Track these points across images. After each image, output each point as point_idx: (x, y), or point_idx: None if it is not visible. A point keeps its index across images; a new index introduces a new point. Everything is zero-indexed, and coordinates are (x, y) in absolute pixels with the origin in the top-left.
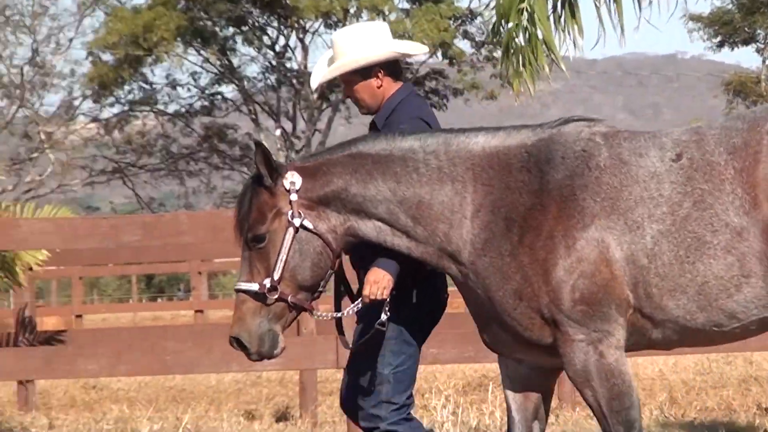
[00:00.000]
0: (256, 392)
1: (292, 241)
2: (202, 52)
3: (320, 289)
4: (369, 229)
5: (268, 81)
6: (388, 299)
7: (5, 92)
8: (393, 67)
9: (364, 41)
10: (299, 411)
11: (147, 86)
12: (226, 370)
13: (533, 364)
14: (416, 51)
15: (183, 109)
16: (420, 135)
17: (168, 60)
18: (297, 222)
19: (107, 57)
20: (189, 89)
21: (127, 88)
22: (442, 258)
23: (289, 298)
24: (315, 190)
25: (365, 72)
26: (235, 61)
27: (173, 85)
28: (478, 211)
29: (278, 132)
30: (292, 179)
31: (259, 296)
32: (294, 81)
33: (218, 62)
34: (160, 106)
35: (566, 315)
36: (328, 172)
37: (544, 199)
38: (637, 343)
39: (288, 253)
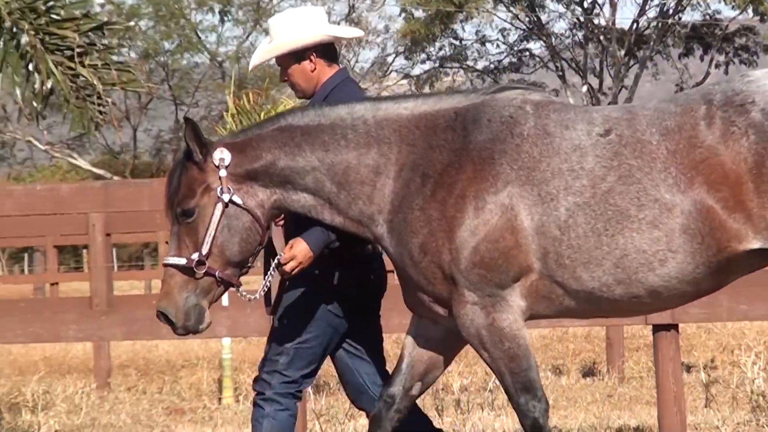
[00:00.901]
0: (562, 347)
1: (221, 216)
2: (511, 8)
3: (248, 264)
4: (294, 201)
5: (576, 37)
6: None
7: None
8: (327, 51)
9: (297, 25)
10: (606, 366)
11: (457, 43)
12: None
13: (448, 329)
14: (349, 34)
15: (491, 66)
16: (349, 104)
17: (478, 16)
18: (226, 197)
19: (419, 13)
20: (498, 45)
21: (437, 44)
22: (361, 223)
23: (217, 273)
24: (244, 166)
25: (298, 55)
26: (543, 18)
27: (482, 41)
28: (401, 171)
29: (584, 88)
30: (222, 155)
31: (187, 270)
32: (601, 37)
33: (527, 19)
34: (470, 63)
35: (464, 276)
36: (257, 147)
37: (462, 158)
38: (552, 310)
39: (217, 228)
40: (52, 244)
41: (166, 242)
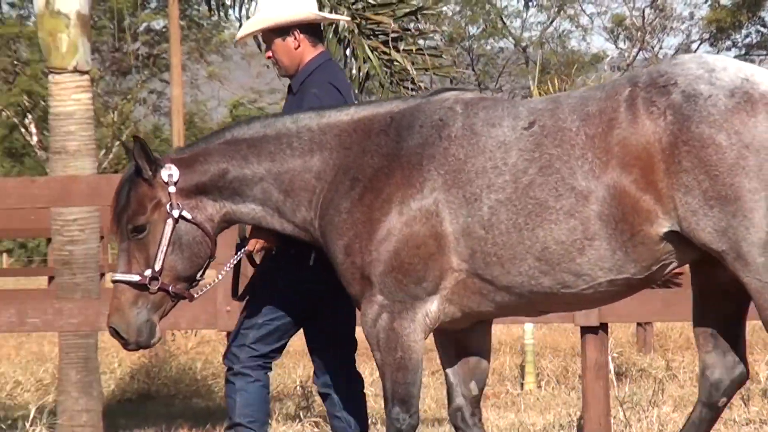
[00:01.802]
0: None
1: (172, 232)
2: None
3: (198, 277)
4: (244, 213)
5: None
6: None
7: (627, 35)
8: (313, 30)
9: (286, 2)
10: None
11: (765, 30)
12: None
13: (461, 328)
14: (336, 17)
15: None
16: (294, 114)
17: None
18: (176, 213)
19: (725, 1)
20: None
21: (744, 32)
22: (305, 229)
23: (170, 288)
24: (192, 181)
25: (283, 31)
26: None
27: None
28: (336, 175)
29: None
30: (170, 172)
31: (140, 287)
32: None
33: None
34: None
35: (380, 278)
36: (204, 162)
37: (392, 163)
38: (487, 306)
39: (168, 244)
40: None
41: None
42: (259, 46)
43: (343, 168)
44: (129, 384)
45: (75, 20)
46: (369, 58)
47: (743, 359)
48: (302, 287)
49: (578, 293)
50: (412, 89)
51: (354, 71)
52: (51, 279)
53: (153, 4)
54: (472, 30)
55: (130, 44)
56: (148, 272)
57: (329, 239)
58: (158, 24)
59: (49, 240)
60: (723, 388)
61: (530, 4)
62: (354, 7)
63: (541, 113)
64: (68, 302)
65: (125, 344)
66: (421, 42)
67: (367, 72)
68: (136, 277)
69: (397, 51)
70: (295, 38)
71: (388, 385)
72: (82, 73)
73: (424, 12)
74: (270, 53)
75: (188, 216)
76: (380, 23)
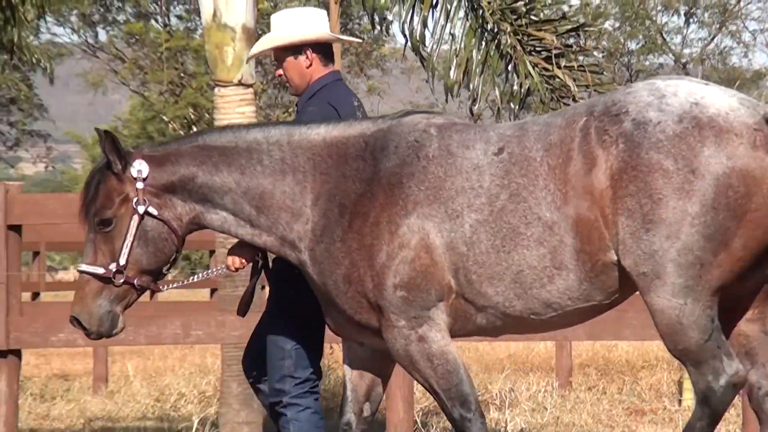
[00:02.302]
0: None
1: (138, 226)
2: None
3: (164, 271)
4: (214, 219)
5: None
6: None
7: None
8: (324, 50)
9: (299, 21)
10: None
11: None
12: None
13: (373, 348)
14: (348, 39)
15: None
16: (265, 127)
17: None
18: (141, 209)
19: None
20: None
21: None
22: (284, 246)
23: (135, 282)
24: (162, 179)
25: (296, 50)
26: None
27: None
28: (318, 200)
29: None
30: (140, 167)
31: (105, 279)
32: None
33: None
34: None
35: (388, 300)
36: (175, 162)
37: (374, 186)
38: (463, 328)
39: (133, 238)
40: None
41: None
42: (422, 60)
43: (326, 194)
44: None
45: (240, 33)
46: (530, 74)
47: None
48: (315, 305)
49: (547, 320)
50: None
51: (515, 87)
52: (213, 291)
53: None
54: (632, 45)
55: None
56: (112, 266)
57: (324, 268)
58: None
59: (212, 252)
60: None
61: (691, 20)
62: (517, 23)
63: (509, 140)
64: (231, 315)
65: (87, 334)
66: (581, 58)
67: (528, 88)
68: (101, 270)
69: (558, 67)
70: (307, 57)
71: (441, 396)
72: (247, 86)
73: (586, 29)
74: (281, 71)
75: (154, 212)
76: (542, 39)
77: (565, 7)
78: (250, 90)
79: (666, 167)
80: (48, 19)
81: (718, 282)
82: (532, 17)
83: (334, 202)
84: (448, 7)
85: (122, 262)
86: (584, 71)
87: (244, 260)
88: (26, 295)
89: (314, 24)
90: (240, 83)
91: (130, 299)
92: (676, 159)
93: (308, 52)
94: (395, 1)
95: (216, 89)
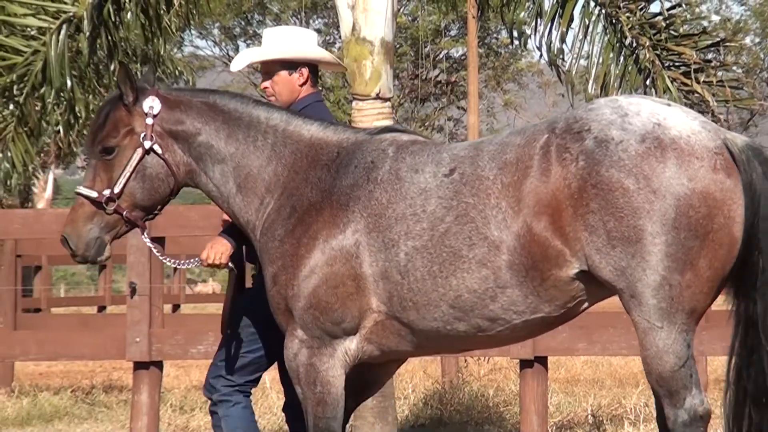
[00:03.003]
0: None
1: (139, 160)
2: None
3: (156, 211)
4: (203, 182)
5: None
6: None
7: None
8: (314, 71)
9: (296, 39)
10: None
11: None
12: None
13: None
14: (340, 64)
15: None
16: (270, 108)
17: None
18: (147, 144)
19: None
20: None
21: None
22: (248, 230)
23: (124, 213)
24: (169, 122)
25: (292, 66)
26: None
27: None
28: (282, 194)
29: None
30: (152, 104)
31: (97, 204)
32: None
33: None
34: None
35: (299, 313)
36: (183, 112)
37: (325, 200)
38: (406, 346)
39: (132, 170)
40: None
41: None
42: (559, 74)
43: (288, 191)
44: (422, 410)
45: (379, 47)
46: (669, 88)
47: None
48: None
49: (495, 335)
50: (712, 121)
51: None
52: None
53: (453, 32)
54: None
55: (429, 71)
56: (106, 192)
57: (263, 262)
58: (457, 52)
59: None
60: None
61: None
62: (656, 38)
63: (462, 160)
64: None
65: (73, 255)
66: (720, 73)
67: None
68: (94, 194)
69: (698, 82)
70: (302, 74)
71: (309, 419)
72: (384, 100)
73: (726, 44)
74: (269, 83)
75: (159, 151)
76: (681, 54)
77: (705, 23)
78: (388, 104)
79: (627, 186)
80: (191, 32)
81: (691, 303)
82: (672, 32)
83: (289, 202)
84: (587, 22)
85: (116, 190)
86: (723, 86)
87: (222, 260)
88: (167, 307)
89: (310, 44)
90: (378, 97)
91: (119, 230)
92: (637, 178)
93: (303, 70)
94: (533, 16)
95: (354, 103)
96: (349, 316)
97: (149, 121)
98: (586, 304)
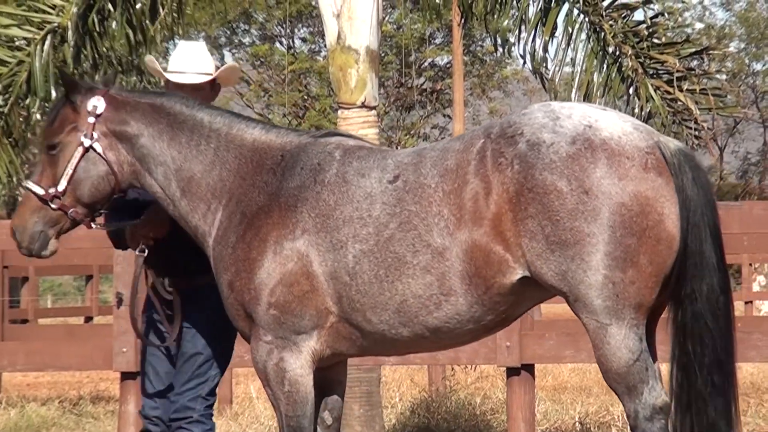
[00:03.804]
0: None
1: (80, 158)
2: None
3: (99, 208)
4: (147, 183)
5: None
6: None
7: None
8: None
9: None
10: None
11: None
12: None
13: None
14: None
15: None
16: (215, 111)
17: None
18: (87, 143)
19: None
20: None
21: None
22: (197, 236)
23: (69, 211)
24: (113, 123)
25: (216, 85)
26: None
27: None
28: (230, 201)
29: None
30: (96, 103)
31: (42, 200)
32: None
33: None
34: None
35: (260, 316)
36: (129, 112)
37: (273, 203)
38: (356, 350)
39: (74, 168)
40: None
41: (750, 264)
42: (543, 82)
43: (237, 198)
44: (410, 418)
45: (364, 56)
46: (652, 97)
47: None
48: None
49: (437, 342)
50: (695, 129)
51: (636, 110)
52: None
53: (438, 40)
54: (757, 66)
55: (414, 79)
56: (52, 190)
57: (217, 270)
58: (442, 60)
59: None
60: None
61: None
62: (639, 46)
63: (405, 167)
64: None
65: (18, 246)
66: (704, 81)
67: (650, 111)
68: (41, 191)
69: (680, 90)
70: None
71: (281, 419)
72: (370, 108)
73: (710, 51)
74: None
75: (98, 149)
76: (664, 62)
77: (688, 30)
78: (373, 112)
79: (560, 188)
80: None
81: (636, 299)
82: (655, 40)
83: (239, 208)
84: (570, 30)
85: (60, 188)
86: (707, 94)
87: (149, 237)
88: None
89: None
90: (363, 105)
91: (63, 226)
92: (569, 180)
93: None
94: (517, 24)
95: (339, 111)
96: (308, 315)
97: (91, 119)
98: (526, 308)
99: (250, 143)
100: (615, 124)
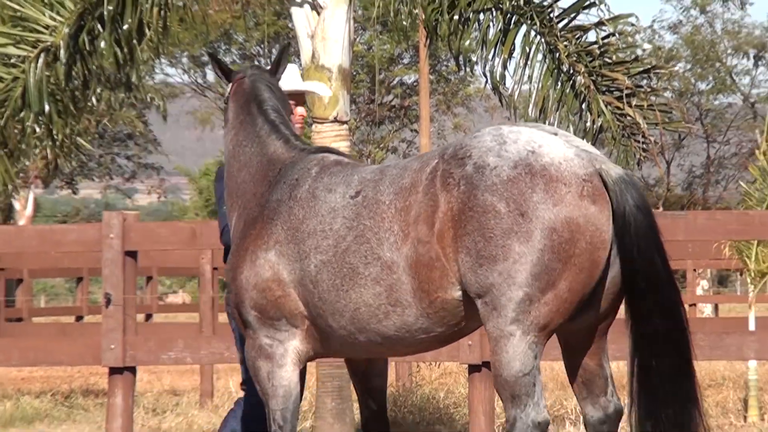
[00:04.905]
0: None
1: None
2: None
3: None
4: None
5: None
6: None
7: None
8: None
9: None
10: None
11: None
12: None
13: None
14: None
15: None
16: (272, 113)
17: None
18: None
19: None
20: None
21: None
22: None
23: None
24: (228, 109)
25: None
26: None
27: None
28: (241, 206)
29: None
30: (228, 88)
31: None
32: None
33: None
34: None
35: (246, 317)
36: (233, 99)
37: (258, 214)
38: (327, 350)
39: None
40: None
41: (695, 270)
42: (501, 99)
43: (244, 205)
44: None
45: (337, 74)
46: (603, 112)
47: (614, 394)
48: None
49: (393, 349)
50: (643, 143)
51: (589, 124)
52: None
53: (406, 60)
54: (702, 86)
55: (384, 96)
56: None
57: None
58: (410, 78)
59: None
60: (605, 428)
61: (759, 62)
62: (591, 64)
63: (367, 183)
64: None
65: None
66: (652, 98)
67: (601, 125)
68: None
69: (630, 106)
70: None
71: (269, 414)
72: (342, 123)
73: (657, 70)
74: (303, 113)
75: None
76: (615, 80)
77: (638, 51)
78: (345, 126)
79: (498, 209)
80: (162, 60)
81: (545, 320)
82: (606, 59)
83: (242, 215)
84: (527, 50)
85: None
86: (654, 110)
87: None
88: (140, 317)
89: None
90: (336, 120)
91: None
92: (508, 202)
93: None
94: (479, 45)
95: (313, 125)
96: (283, 317)
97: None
98: (479, 323)
99: (270, 154)
100: (557, 150)
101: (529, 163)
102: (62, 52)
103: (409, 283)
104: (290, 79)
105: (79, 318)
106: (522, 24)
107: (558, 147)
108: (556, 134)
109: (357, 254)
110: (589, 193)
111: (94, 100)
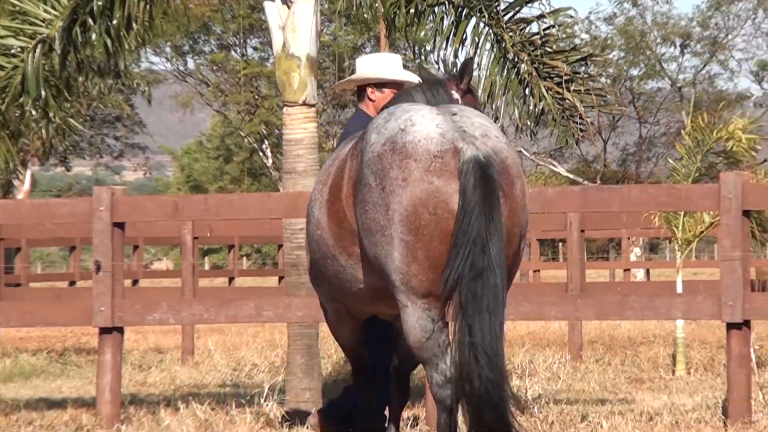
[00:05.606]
0: None
1: None
2: None
3: None
4: None
5: None
6: None
7: None
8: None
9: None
10: None
11: None
12: None
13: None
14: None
15: None
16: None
17: None
18: None
19: None
20: None
21: None
22: None
23: None
24: None
25: (398, 86)
26: None
27: None
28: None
29: None
30: None
31: None
32: None
33: None
34: None
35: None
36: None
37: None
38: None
39: None
40: (536, 237)
41: (628, 238)
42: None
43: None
44: (344, 367)
45: (305, 62)
46: (544, 96)
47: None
48: None
49: (354, 301)
50: (580, 124)
51: (531, 107)
52: (281, 279)
53: (368, 49)
54: (634, 72)
55: None
56: None
57: None
58: None
59: (280, 246)
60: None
61: (685, 50)
62: (534, 53)
63: (331, 157)
64: (296, 298)
65: None
66: (589, 83)
67: (542, 108)
68: None
69: (569, 91)
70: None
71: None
72: (310, 106)
73: (593, 58)
74: (381, 96)
75: None
76: (555, 67)
77: (577, 40)
78: (313, 109)
79: (370, 183)
80: (147, 49)
81: (421, 289)
82: (547, 48)
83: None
84: (477, 40)
85: None
86: (590, 95)
87: None
88: (127, 282)
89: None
90: (304, 103)
91: None
92: (375, 176)
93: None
94: (433, 35)
95: (284, 109)
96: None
97: None
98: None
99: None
100: (424, 129)
101: (395, 140)
102: (57, 43)
103: (329, 237)
104: (393, 70)
105: (72, 283)
106: (472, 16)
107: (426, 126)
108: (455, 114)
109: (310, 215)
110: (435, 168)
111: (86, 86)
